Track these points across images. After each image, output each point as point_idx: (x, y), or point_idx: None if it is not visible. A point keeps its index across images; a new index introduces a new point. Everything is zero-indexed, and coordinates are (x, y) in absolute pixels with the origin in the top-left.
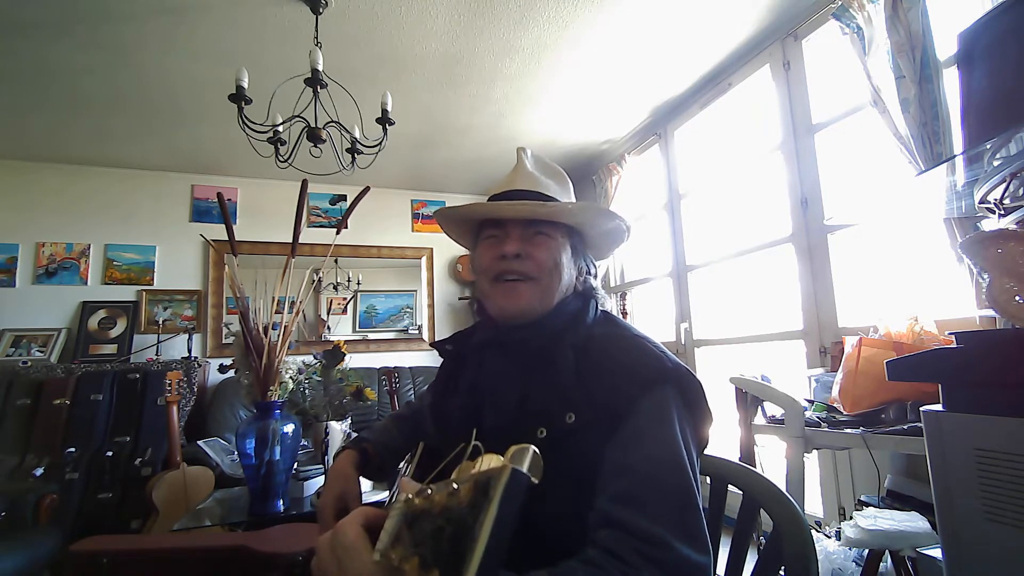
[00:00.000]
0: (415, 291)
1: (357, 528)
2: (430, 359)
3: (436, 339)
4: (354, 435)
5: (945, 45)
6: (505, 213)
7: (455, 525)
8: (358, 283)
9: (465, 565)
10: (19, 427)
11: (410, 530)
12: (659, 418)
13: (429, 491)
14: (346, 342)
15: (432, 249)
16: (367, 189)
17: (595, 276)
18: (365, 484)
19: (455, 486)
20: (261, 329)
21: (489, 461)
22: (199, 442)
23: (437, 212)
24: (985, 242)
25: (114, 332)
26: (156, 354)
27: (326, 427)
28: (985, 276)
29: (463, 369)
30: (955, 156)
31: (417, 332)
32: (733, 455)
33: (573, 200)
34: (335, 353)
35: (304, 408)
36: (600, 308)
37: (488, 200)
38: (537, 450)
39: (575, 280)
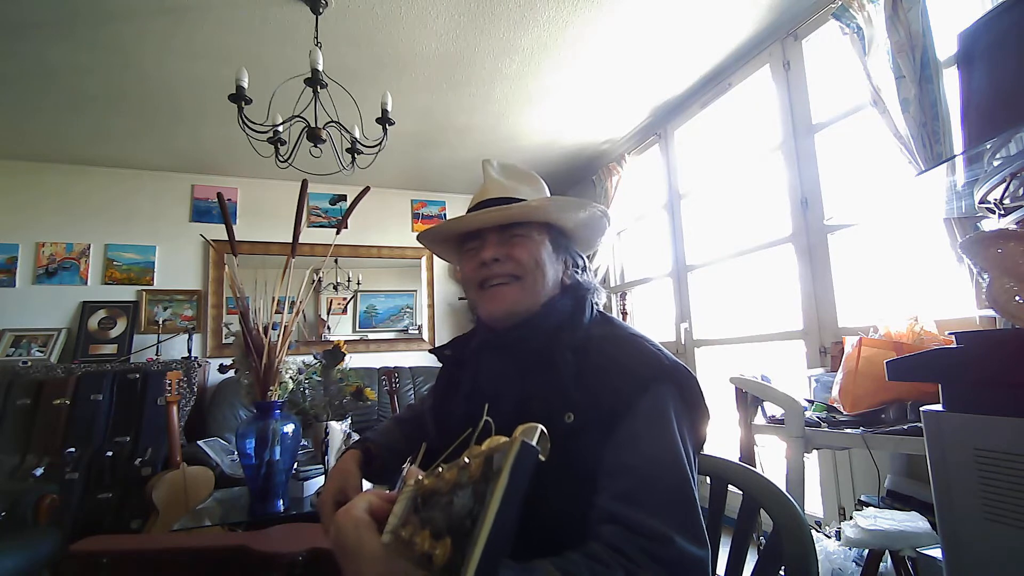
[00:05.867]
0: (415, 291)
1: (361, 514)
2: (430, 359)
3: (437, 339)
4: (354, 435)
5: (945, 45)
6: (476, 223)
7: (466, 497)
8: (358, 283)
9: (476, 531)
10: (19, 427)
11: (420, 509)
12: (657, 416)
13: (439, 470)
14: (346, 342)
15: None
16: (367, 189)
17: (584, 268)
18: (365, 484)
19: (466, 460)
20: (261, 329)
21: (497, 441)
22: (199, 442)
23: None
24: (985, 242)
25: (114, 332)
26: (156, 354)
27: (326, 427)
28: (985, 276)
29: (463, 373)
30: (955, 156)
31: (417, 332)
32: (733, 455)
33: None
34: (335, 353)
35: (304, 408)
36: (595, 307)
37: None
38: (544, 429)
39: (561, 275)
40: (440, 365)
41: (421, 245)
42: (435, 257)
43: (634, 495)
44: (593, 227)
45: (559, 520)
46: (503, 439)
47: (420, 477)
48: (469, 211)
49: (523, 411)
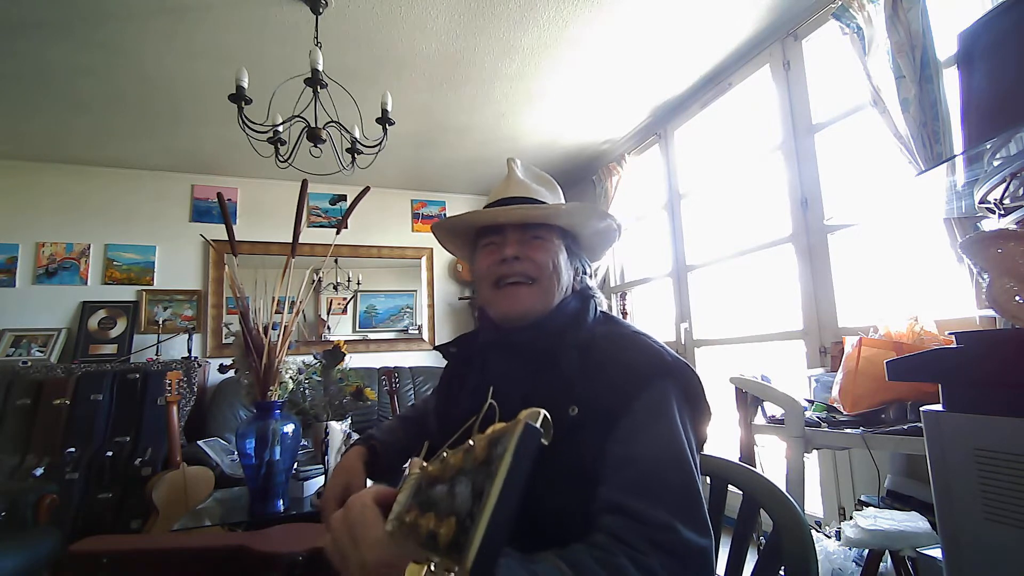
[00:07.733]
0: (415, 291)
1: (369, 500)
2: (430, 359)
3: (436, 339)
4: (354, 435)
5: (945, 45)
6: (501, 219)
7: (470, 480)
8: (358, 283)
9: (480, 510)
10: (19, 427)
11: (424, 494)
12: (659, 411)
13: (444, 455)
14: (346, 342)
15: (432, 249)
16: (367, 189)
17: (591, 277)
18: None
19: (471, 443)
20: (261, 329)
21: (501, 426)
22: (199, 442)
23: (434, 226)
24: (985, 242)
25: (114, 332)
26: (156, 354)
27: (326, 427)
28: (985, 276)
29: (467, 371)
30: (955, 156)
31: (417, 332)
32: (733, 455)
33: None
34: (335, 353)
35: (304, 408)
36: (599, 308)
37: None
38: (547, 414)
39: (573, 281)
40: (443, 364)
41: (421, 245)
42: (435, 257)
43: (637, 486)
44: (605, 238)
45: (563, 514)
46: (506, 424)
47: (424, 465)
48: (489, 205)
49: (527, 408)
